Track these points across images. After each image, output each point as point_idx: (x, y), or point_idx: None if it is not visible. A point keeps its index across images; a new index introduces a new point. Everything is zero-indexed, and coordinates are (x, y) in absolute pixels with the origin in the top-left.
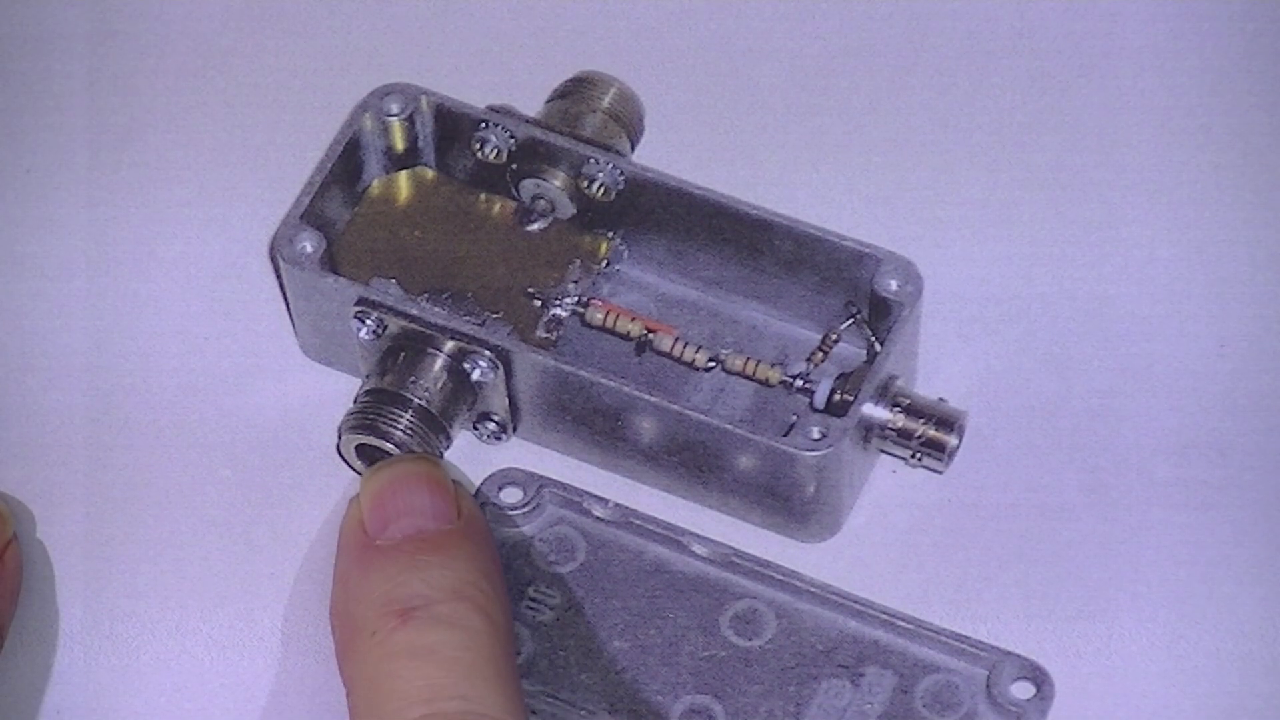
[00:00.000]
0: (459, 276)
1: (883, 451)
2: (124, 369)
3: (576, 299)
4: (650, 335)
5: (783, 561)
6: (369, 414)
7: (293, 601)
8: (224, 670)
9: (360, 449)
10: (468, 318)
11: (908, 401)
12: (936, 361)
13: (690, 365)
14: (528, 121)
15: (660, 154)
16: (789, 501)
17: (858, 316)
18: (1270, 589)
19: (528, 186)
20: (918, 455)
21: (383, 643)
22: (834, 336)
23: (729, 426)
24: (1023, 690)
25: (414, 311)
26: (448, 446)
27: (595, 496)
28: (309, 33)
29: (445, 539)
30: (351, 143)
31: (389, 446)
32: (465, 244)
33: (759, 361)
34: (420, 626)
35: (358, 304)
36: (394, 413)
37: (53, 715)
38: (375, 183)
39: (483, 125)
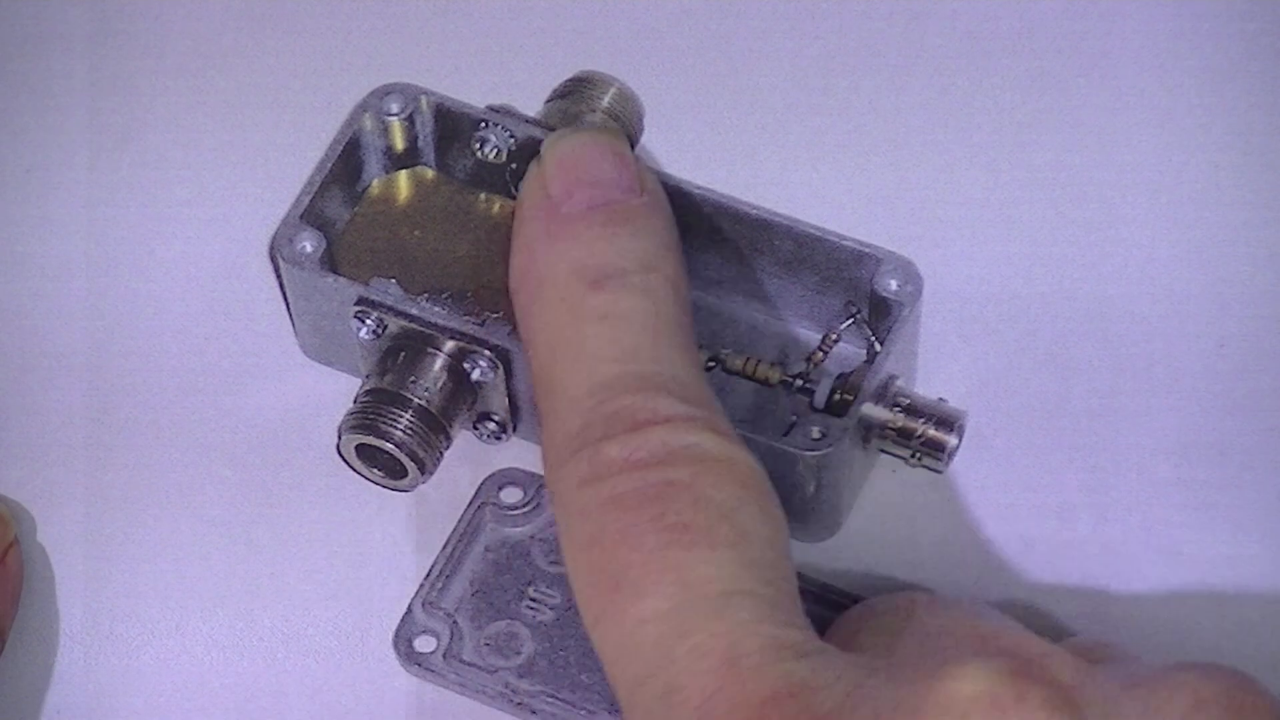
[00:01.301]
0: (459, 276)
1: (883, 451)
2: (124, 369)
3: None
4: None
5: None
6: (369, 414)
7: (293, 601)
8: (224, 670)
9: (360, 449)
10: (468, 318)
11: (908, 401)
12: (936, 361)
13: None
14: (528, 121)
15: (660, 154)
16: (789, 501)
17: (858, 316)
18: (1270, 589)
19: None
20: (918, 455)
21: (574, 307)
22: (834, 336)
23: None
24: None
25: (414, 311)
26: (448, 446)
27: None
28: (309, 33)
29: (633, 211)
30: (351, 142)
31: (389, 446)
32: (465, 244)
33: (759, 361)
34: (613, 293)
35: (358, 304)
36: (394, 413)
37: (53, 715)
38: (375, 183)
39: (483, 125)
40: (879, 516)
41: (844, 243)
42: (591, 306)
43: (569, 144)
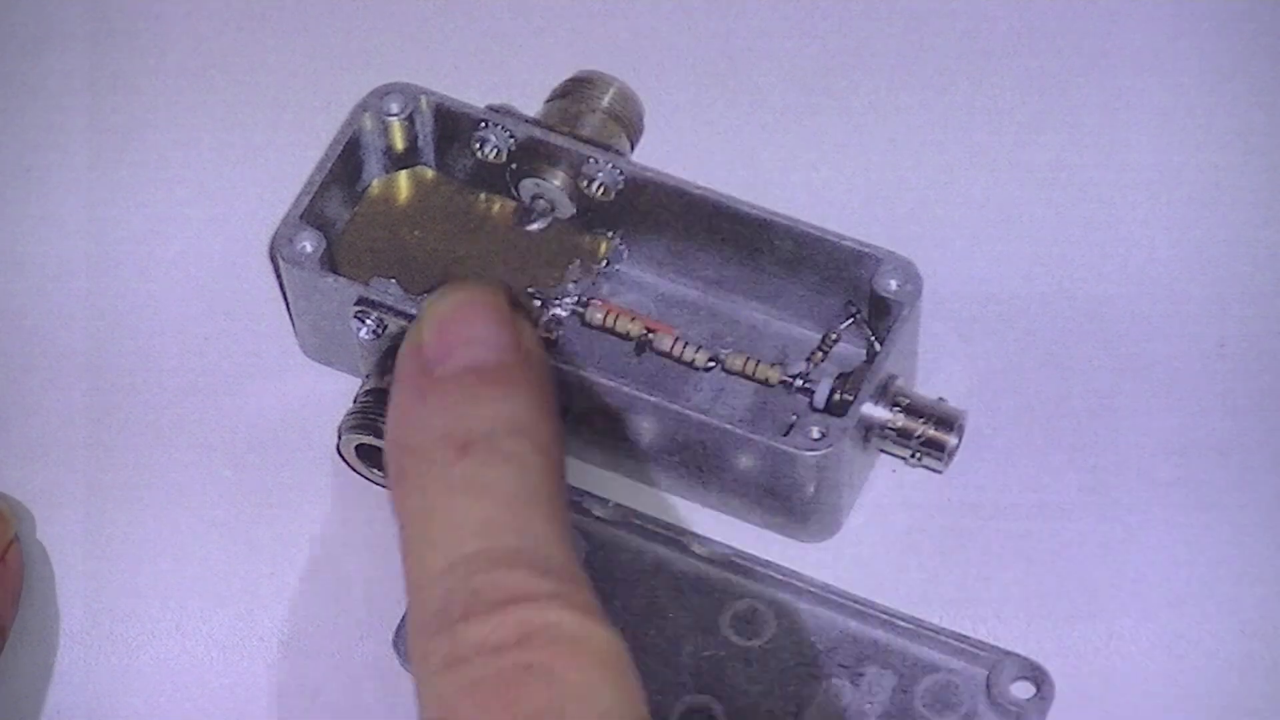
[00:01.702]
0: (459, 276)
1: (883, 451)
2: (124, 369)
3: (576, 299)
4: (650, 335)
5: (783, 561)
6: (369, 414)
7: (293, 601)
8: (224, 670)
9: (360, 449)
10: None
11: (907, 401)
12: (936, 361)
13: (690, 365)
14: (527, 121)
15: (660, 154)
16: (789, 501)
17: (858, 316)
18: (1270, 589)
19: (527, 186)
20: (917, 455)
21: (440, 475)
22: (834, 336)
23: (729, 426)
24: (1022, 690)
25: (414, 311)
26: None
27: (595, 496)
28: (309, 33)
29: (506, 372)
30: (351, 142)
31: None
32: (465, 244)
33: (759, 361)
34: (479, 460)
35: (358, 304)
36: None
37: (53, 715)
38: (375, 183)
39: (482, 125)
40: (879, 516)
41: (844, 243)
42: (457, 476)
43: (446, 303)
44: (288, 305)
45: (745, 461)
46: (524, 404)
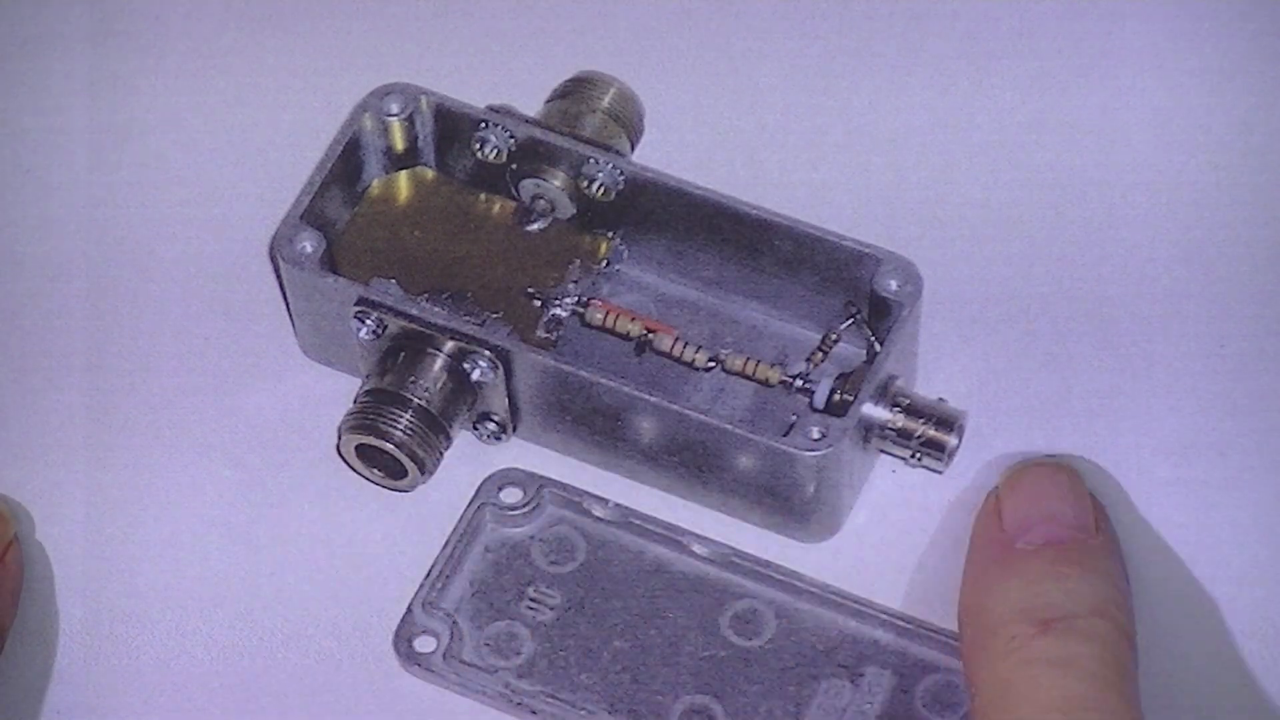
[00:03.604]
0: (459, 276)
1: (883, 451)
2: (124, 369)
3: (576, 299)
4: (650, 335)
5: (783, 561)
6: (369, 414)
7: (293, 601)
8: (224, 670)
9: (360, 449)
10: (468, 318)
11: (907, 401)
12: (936, 361)
13: (690, 365)
14: (528, 121)
15: (660, 154)
16: (789, 501)
17: (858, 316)
18: (1270, 589)
19: (528, 186)
20: (917, 455)
21: (1020, 649)
22: (834, 336)
23: (729, 426)
24: None
25: (414, 311)
26: (448, 446)
27: (595, 496)
28: (309, 33)
29: (1086, 551)
30: (351, 143)
31: (389, 446)
32: (465, 244)
33: (759, 361)
34: (1061, 637)
35: (358, 304)
36: (394, 413)
37: (52, 714)
38: (375, 183)
39: (483, 125)
40: (879, 516)
41: (844, 243)
42: (1037, 650)
43: (1027, 478)
44: (288, 305)
45: (745, 461)
46: (1102, 584)
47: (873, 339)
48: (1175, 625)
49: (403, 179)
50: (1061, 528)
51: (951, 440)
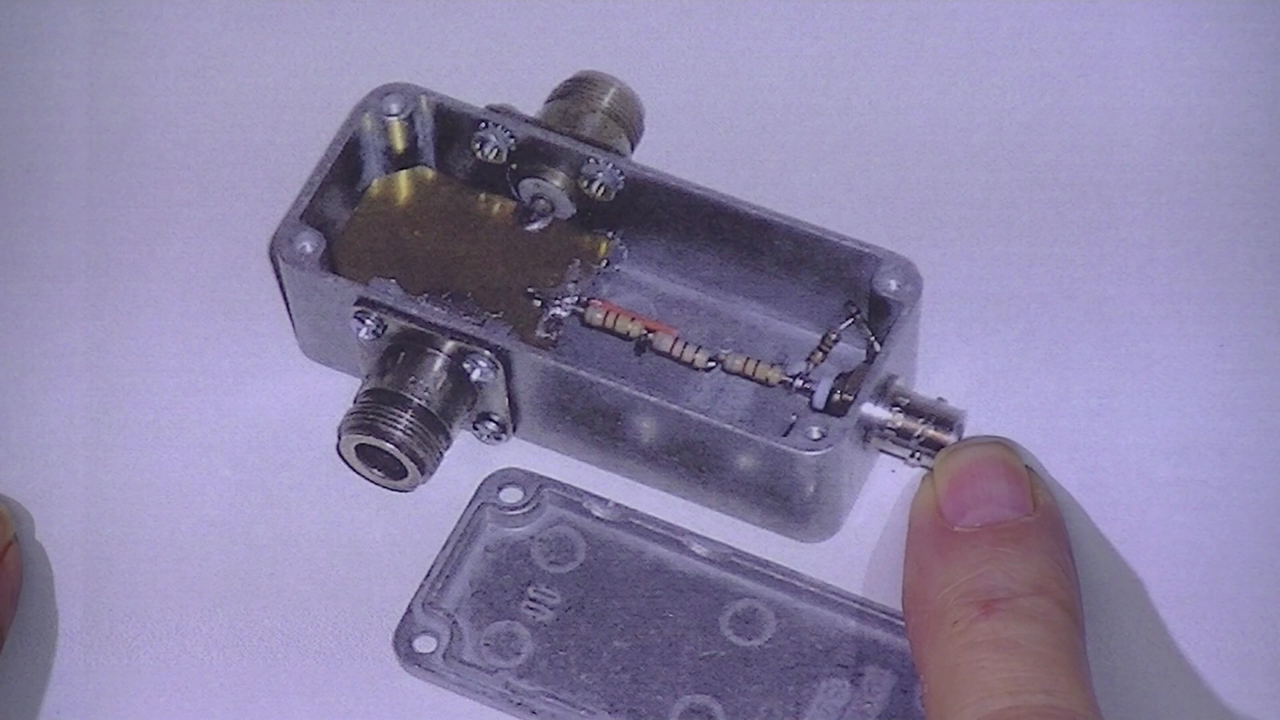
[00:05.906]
0: (459, 276)
1: (882, 451)
2: (124, 369)
3: (576, 299)
4: (650, 335)
5: (783, 561)
6: (369, 414)
7: (293, 601)
8: (224, 670)
9: (360, 449)
10: (468, 318)
11: (907, 401)
12: (936, 361)
13: (690, 365)
14: (528, 121)
15: (660, 154)
16: (789, 501)
17: (857, 316)
18: (1270, 589)
19: (527, 186)
20: (917, 455)
21: (964, 632)
22: (834, 336)
23: (729, 426)
24: None
25: (414, 311)
26: (448, 446)
27: (595, 496)
28: (309, 33)
29: (1024, 530)
30: (351, 143)
31: (389, 447)
32: (465, 244)
33: (759, 361)
34: (1003, 618)
35: (358, 304)
36: (394, 413)
37: (53, 715)
38: (375, 183)
39: (483, 125)
40: (879, 516)
41: (844, 243)
42: (981, 633)
43: (960, 460)
44: (288, 305)
45: (745, 461)
46: (1043, 561)
47: (872, 339)
48: (1175, 625)
49: (403, 179)
50: (999, 507)
51: (951, 440)
